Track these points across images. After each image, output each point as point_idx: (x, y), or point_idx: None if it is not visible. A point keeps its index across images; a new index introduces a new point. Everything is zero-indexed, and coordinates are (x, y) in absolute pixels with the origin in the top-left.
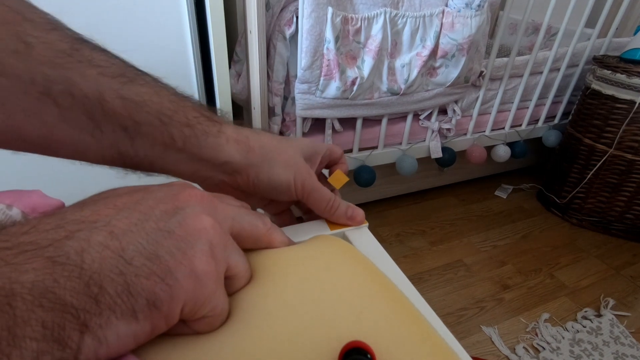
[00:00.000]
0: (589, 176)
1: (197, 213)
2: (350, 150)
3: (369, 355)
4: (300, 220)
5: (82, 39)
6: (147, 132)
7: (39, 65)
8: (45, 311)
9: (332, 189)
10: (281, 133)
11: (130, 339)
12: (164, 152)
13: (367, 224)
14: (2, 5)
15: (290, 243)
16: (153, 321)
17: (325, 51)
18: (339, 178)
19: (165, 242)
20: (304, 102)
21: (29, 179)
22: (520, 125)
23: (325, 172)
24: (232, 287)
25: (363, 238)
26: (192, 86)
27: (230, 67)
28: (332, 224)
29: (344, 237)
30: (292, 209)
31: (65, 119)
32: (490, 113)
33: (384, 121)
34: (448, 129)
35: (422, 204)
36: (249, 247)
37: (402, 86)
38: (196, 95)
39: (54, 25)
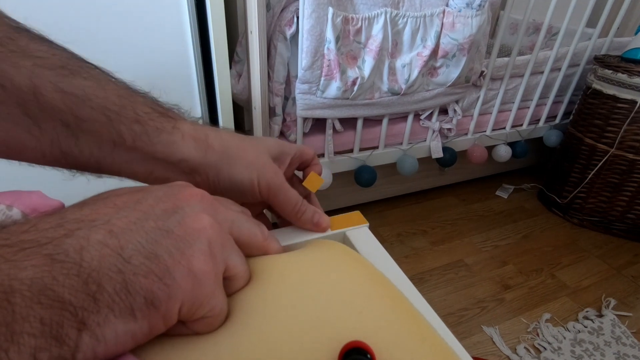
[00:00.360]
0: (590, 176)
1: (196, 212)
2: (351, 150)
3: (368, 355)
4: (275, 226)
5: (20, 28)
6: (91, 129)
7: None
8: (44, 308)
9: (308, 193)
10: (282, 133)
11: (129, 338)
12: (113, 151)
13: (367, 224)
14: None
15: (283, 251)
16: (151, 321)
17: (325, 51)
18: (313, 180)
19: (164, 241)
20: (304, 102)
21: (28, 179)
22: (521, 125)
23: (300, 175)
24: (231, 288)
25: (363, 238)
26: (192, 86)
27: (230, 68)
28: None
29: (345, 237)
30: (267, 215)
31: None
32: (491, 113)
33: (385, 121)
34: (449, 129)
35: (423, 203)
36: (244, 254)
37: (403, 86)
38: (197, 96)
39: None
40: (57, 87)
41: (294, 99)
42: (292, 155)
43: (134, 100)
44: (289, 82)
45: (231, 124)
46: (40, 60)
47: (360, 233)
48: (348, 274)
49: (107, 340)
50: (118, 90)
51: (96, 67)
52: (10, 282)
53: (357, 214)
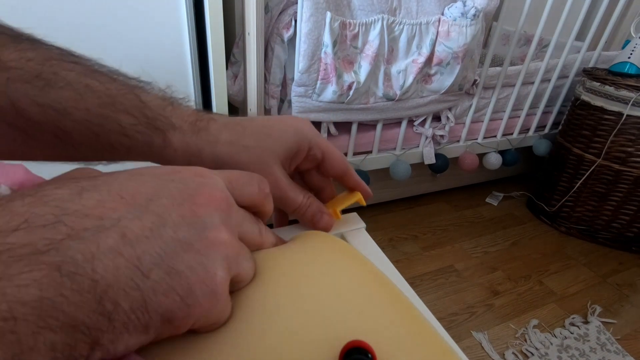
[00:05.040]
0: (577, 185)
1: (216, 225)
2: (345, 155)
3: (369, 355)
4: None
5: None
6: (82, 142)
7: None
8: (54, 332)
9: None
10: None
11: (136, 347)
12: (112, 156)
13: (364, 226)
14: None
15: (280, 242)
16: (162, 333)
17: (322, 55)
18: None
19: (185, 255)
20: (300, 105)
21: None
22: (512, 133)
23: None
24: (235, 288)
25: (361, 240)
26: (188, 87)
27: (227, 69)
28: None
29: (342, 238)
30: None
31: None
32: (482, 121)
33: (379, 126)
34: (441, 136)
35: (415, 209)
36: None
37: (398, 92)
38: (192, 96)
39: None
40: (35, 101)
41: (289, 102)
42: (308, 152)
43: (117, 108)
44: (285, 84)
45: None
46: (14, 72)
47: (358, 235)
48: (349, 272)
49: (117, 352)
50: (99, 98)
51: (76, 63)
52: (11, 306)
53: (354, 215)
